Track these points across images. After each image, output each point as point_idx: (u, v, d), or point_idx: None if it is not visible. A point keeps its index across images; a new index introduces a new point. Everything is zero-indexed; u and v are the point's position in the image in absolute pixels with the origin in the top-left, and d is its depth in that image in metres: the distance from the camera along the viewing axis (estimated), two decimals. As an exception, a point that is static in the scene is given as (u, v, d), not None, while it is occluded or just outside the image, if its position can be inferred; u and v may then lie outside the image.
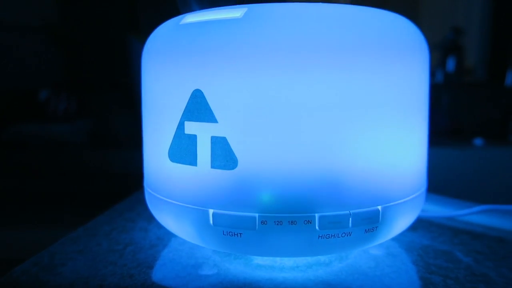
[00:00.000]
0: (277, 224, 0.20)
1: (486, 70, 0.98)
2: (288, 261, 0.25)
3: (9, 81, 0.92)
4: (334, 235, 0.21)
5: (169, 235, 0.29)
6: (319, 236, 0.21)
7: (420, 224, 0.31)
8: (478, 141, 0.66)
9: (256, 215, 0.20)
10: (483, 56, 1.01)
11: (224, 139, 0.20)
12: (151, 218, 0.33)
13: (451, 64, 0.97)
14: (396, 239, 0.28)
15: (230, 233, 0.21)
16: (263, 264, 0.24)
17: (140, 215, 0.34)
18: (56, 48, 1.03)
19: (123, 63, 0.90)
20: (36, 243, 0.32)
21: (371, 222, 0.21)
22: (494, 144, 0.65)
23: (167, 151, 0.23)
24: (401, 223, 0.23)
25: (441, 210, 0.31)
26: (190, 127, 0.21)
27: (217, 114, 0.20)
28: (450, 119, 0.82)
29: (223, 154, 0.20)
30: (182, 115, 0.21)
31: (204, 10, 0.22)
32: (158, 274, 0.24)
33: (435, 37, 1.04)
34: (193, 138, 0.21)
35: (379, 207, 0.21)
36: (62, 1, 1.03)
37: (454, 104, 0.84)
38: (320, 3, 0.20)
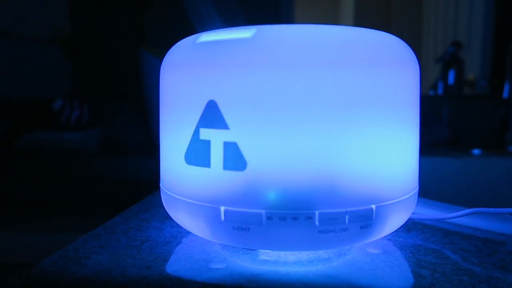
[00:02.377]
0: (282, 220, 0.23)
1: (488, 83, 1.01)
2: (291, 256, 0.27)
3: (24, 91, 0.95)
4: (332, 230, 0.23)
5: (182, 233, 0.32)
6: (318, 231, 0.23)
7: (414, 226, 0.33)
8: (476, 152, 0.68)
9: (263, 211, 0.23)
10: (485, 70, 1.03)
11: (235, 144, 0.23)
12: (164, 218, 0.36)
13: (451, 77, 0.99)
14: (391, 239, 0.31)
15: (239, 228, 0.24)
16: (268, 259, 0.27)
17: (154, 216, 0.37)
18: (69, 59, 1.07)
19: (134, 74, 0.93)
20: (48, 247, 0.33)
21: (365, 220, 0.24)
22: (492, 155, 0.67)
23: (184, 154, 0.25)
24: (394, 221, 0.26)
25: (434, 213, 0.34)
26: (205, 133, 0.24)
27: (229, 122, 0.23)
28: (450, 130, 0.84)
29: (234, 157, 0.23)
30: (198, 122, 0.24)
31: (217, 29, 0.25)
32: (173, 266, 0.26)
33: (439, 51, 1.07)
34: (207, 143, 0.24)
35: (373, 206, 0.24)
36: (74, 14, 1.08)
37: (454, 115, 0.87)
38: (319, 25, 0.23)
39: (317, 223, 0.23)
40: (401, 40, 0.27)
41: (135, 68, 0.90)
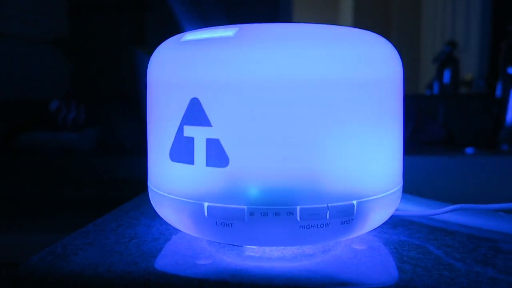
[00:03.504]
0: (263, 215, 0.23)
1: (485, 82, 1.01)
2: (275, 252, 0.27)
3: (21, 91, 0.96)
4: (313, 226, 0.24)
5: (170, 230, 0.32)
6: (300, 226, 0.23)
7: (401, 223, 0.34)
8: (469, 150, 0.68)
9: (245, 207, 0.23)
10: (482, 69, 1.04)
11: (217, 141, 0.23)
12: (154, 216, 0.36)
13: (447, 76, 1.00)
14: (377, 235, 0.31)
15: (222, 224, 0.24)
16: (253, 255, 0.27)
17: (144, 214, 0.37)
18: (66, 60, 1.07)
19: (130, 74, 0.94)
20: (43, 247, 0.34)
21: (346, 215, 0.24)
22: (485, 154, 0.67)
23: (168, 151, 0.26)
24: (376, 217, 0.26)
25: (420, 210, 0.34)
26: (189, 131, 0.24)
27: (211, 119, 0.24)
28: (445, 129, 0.84)
29: (216, 154, 0.23)
30: (182, 120, 0.25)
31: (201, 29, 0.26)
32: (159, 262, 0.27)
33: (437, 51, 1.07)
34: (191, 140, 0.24)
35: (354, 202, 0.24)
36: (73, 15, 1.08)
37: (449, 115, 0.87)
38: (300, 24, 0.24)
39: (298, 218, 0.23)
40: (383, 38, 0.27)
41: (133, 70, 0.91)
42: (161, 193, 0.27)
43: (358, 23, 1.10)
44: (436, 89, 1.00)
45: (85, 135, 0.84)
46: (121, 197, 0.50)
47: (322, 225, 0.24)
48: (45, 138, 0.82)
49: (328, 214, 0.23)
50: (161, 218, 0.35)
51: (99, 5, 1.08)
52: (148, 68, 0.29)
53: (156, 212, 0.37)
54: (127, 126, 0.93)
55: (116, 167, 0.76)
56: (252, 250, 0.28)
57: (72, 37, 1.08)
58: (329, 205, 0.23)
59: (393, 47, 0.27)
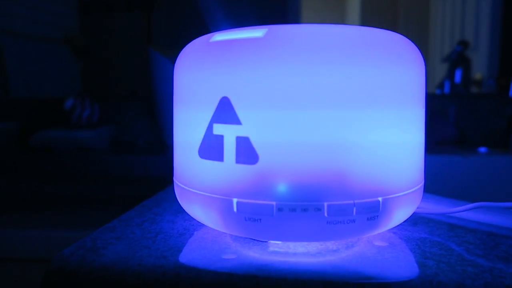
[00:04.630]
0: (292, 211, 0.24)
1: (495, 82, 1.01)
2: (300, 248, 0.28)
3: (36, 90, 0.97)
4: (340, 222, 0.24)
5: (194, 226, 0.33)
6: (327, 222, 0.24)
7: (420, 220, 0.34)
8: (482, 150, 0.68)
9: (274, 203, 0.24)
10: (492, 69, 1.03)
11: (247, 139, 0.24)
12: (177, 212, 0.37)
13: (458, 76, 1.00)
14: (397, 232, 0.31)
15: (251, 219, 0.25)
16: (278, 251, 0.28)
17: (166, 210, 0.38)
18: (78, 59, 1.09)
19: (142, 74, 0.95)
20: (63, 243, 0.34)
21: (372, 211, 0.25)
22: (498, 153, 0.67)
23: (197, 149, 0.26)
24: (400, 214, 0.27)
25: (439, 208, 0.34)
26: (218, 129, 0.25)
27: (241, 117, 0.24)
28: (457, 129, 0.84)
29: (246, 151, 0.24)
30: (212, 118, 0.25)
31: (230, 29, 0.26)
32: (187, 256, 0.27)
33: (446, 50, 1.07)
34: (220, 138, 0.25)
35: (380, 199, 0.25)
36: (83, 14, 1.09)
37: (460, 114, 0.87)
38: (327, 25, 0.24)
39: (325, 214, 0.24)
40: (407, 39, 0.27)
41: (144, 68, 0.92)
42: (190, 189, 0.28)
43: (366, 23, 1.10)
44: (447, 89, 1.00)
45: (99, 133, 0.85)
46: (136, 194, 0.51)
47: (348, 221, 0.24)
48: (60, 136, 0.83)
49: (354, 210, 0.24)
50: (184, 214, 0.36)
51: (108, 4, 1.10)
52: (175, 67, 0.30)
53: (179, 208, 0.38)
54: (138, 124, 0.94)
55: (130, 164, 0.77)
56: (276, 245, 0.29)
57: (82, 36, 1.09)
58: (355, 201, 0.24)
59: (416, 47, 0.28)
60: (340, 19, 1.18)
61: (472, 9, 1.07)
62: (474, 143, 0.79)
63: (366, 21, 1.11)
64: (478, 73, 1.05)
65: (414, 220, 0.34)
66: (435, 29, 1.10)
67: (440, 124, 0.85)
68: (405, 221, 0.34)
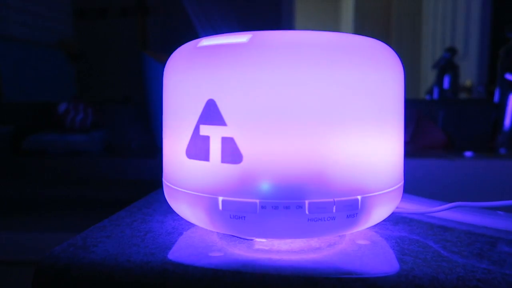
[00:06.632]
0: (274, 209, 0.25)
1: (485, 89, 1.03)
2: (284, 246, 0.29)
3: (29, 94, 0.98)
4: (320, 219, 0.25)
5: (182, 226, 0.34)
6: (308, 219, 0.25)
7: (401, 220, 0.35)
8: (468, 154, 0.70)
9: (257, 201, 0.25)
10: (482, 76, 1.06)
11: (231, 139, 0.25)
12: (166, 213, 0.38)
13: (447, 82, 1.02)
14: (379, 231, 0.33)
15: (236, 217, 0.26)
16: (263, 249, 0.29)
17: (156, 211, 0.39)
18: (72, 63, 1.10)
19: (136, 78, 0.96)
20: (53, 246, 0.35)
21: (351, 209, 0.26)
22: (483, 157, 0.69)
23: (185, 149, 0.27)
24: (379, 212, 0.28)
25: (419, 208, 0.36)
26: (204, 130, 0.26)
27: (226, 119, 0.25)
28: (445, 134, 0.86)
29: (230, 151, 0.25)
30: (198, 119, 0.26)
31: (217, 35, 0.28)
32: (175, 253, 0.28)
33: (437, 57, 1.09)
34: (206, 138, 0.26)
35: (359, 197, 0.26)
36: (77, 19, 1.10)
37: (448, 120, 0.89)
38: (307, 31, 0.25)
39: (307, 212, 0.25)
40: (387, 45, 0.29)
41: (137, 73, 0.93)
42: (177, 188, 0.29)
43: (359, 29, 1.12)
44: (436, 94, 1.02)
45: (92, 137, 0.86)
46: (129, 197, 0.51)
47: (329, 218, 0.25)
48: (53, 140, 0.84)
49: (334, 208, 0.25)
50: (173, 214, 0.37)
51: (102, 10, 1.11)
52: (164, 71, 0.31)
53: (168, 209, 0.39)
54: (131, 128, 0.95)
55: (123, 168, 0.78)
56: (261, 243, 0.30)
57: (76, 41, 1.10)
58: (335, 199, 0.25)
59: (395, 53, 0.29)
60: (334, 25, 1.20)
61: (462, 17, 1.09)
62: (461, 148, 0.80)
63: (359, 28, 1.13)
64: (468, 80, 1.07)
65: (396, 219, 0.35)
66: (427, 36, 1.13)
67: (428, 128, 0.86)
68: (386, 220, 0.35)
